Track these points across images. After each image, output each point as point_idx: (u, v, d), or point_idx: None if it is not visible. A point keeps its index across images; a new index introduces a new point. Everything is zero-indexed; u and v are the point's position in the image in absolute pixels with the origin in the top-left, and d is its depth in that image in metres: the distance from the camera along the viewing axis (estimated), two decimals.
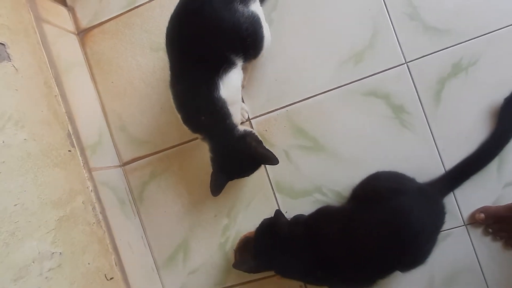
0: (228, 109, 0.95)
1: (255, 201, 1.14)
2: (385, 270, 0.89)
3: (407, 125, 1.06)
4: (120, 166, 1.21)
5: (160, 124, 1.18)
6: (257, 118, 1.14)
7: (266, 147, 0.99)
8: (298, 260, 0.93)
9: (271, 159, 0.96)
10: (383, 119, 1.07)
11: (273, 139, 1.13)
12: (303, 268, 0.94)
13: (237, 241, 1.11)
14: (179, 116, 0.98)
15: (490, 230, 1.00)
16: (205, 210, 1.17)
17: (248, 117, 1.14)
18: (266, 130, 1.13)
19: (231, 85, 0.93)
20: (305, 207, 1.11)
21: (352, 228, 0.88)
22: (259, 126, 1.13)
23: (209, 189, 0.99)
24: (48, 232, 0.83)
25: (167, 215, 1.19)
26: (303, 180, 1.12)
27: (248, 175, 1.04)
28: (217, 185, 0.99)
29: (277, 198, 1.13)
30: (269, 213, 1.12)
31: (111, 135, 1.21)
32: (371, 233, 0.86)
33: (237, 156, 0.97)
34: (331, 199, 1.10)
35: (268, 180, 1.14)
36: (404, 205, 0.85)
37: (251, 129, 1.01)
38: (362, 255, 0.86)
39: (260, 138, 1.02)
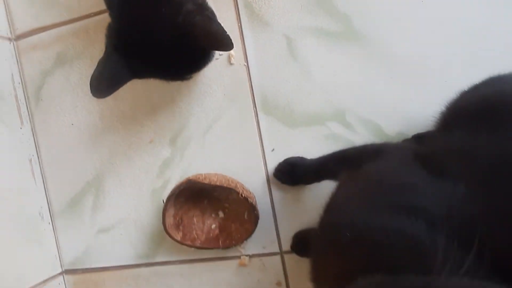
0: None
1: (221, 124, 0.64)
2: None
3: None
4: (9, 38, 0.72)
5: None
6: None
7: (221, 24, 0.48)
8: None
9: (219, 42, 0.45)
10: None
11: (267, 14, 0.61)
12: None
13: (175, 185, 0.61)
14: None
15: None
16: (137, 129, 0.68)
17: None
18: None
19: None
20: (308, 144, 0.60)
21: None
22: None
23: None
24: None
25: (76, 131, 0.71)
26: (313, 95, 0.60)
27: (176, 76, 0.54)
28: (107, 79, 0.50)
29: (259, 122, 0.62)
30: (243, 146, 0.63)
31: None
32: None
33: (153, 26, 0.47)
34: (359, 136, 0.59)
35: (249, 87, 0.63)
36: None
37: None
38: None
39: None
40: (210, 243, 0.60)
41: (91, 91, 0.50)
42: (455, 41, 0.55)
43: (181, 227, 0.60)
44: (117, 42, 0.49)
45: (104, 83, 0.49)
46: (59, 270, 0.72)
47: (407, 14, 0.56)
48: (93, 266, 0.71)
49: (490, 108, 0.35)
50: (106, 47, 0.50)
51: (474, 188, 0.30)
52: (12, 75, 0.71)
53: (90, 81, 0.49)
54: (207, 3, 0.50)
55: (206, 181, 0.55)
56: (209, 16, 0.49)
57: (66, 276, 0.73)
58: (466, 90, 0.42)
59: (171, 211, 0.59)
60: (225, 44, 0.44)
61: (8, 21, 0.72)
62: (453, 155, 0.33)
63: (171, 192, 0.57)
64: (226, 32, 0.45)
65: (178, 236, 0.59)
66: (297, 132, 0.61)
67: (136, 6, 0.47)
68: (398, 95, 0.57)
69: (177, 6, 0.46)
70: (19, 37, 0.72)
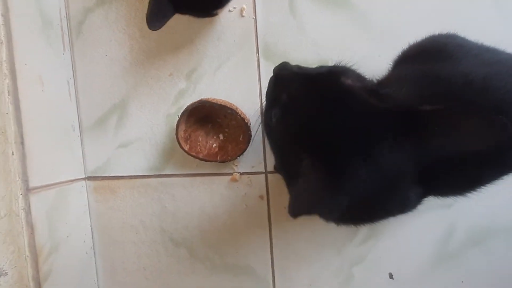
0: None
1: (229, 65, 0.79)
2: None
3: None
4: None
5: None
6: None
7: None
8: None
9: None
10: None
11: None
12: None
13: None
14: None
15: None
16: (159, 64, 0.82)
17: None
18: None
19: None
20: None
21: None
22: None
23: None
24: None
25: (108, 61, 0.85)
26: (305, 47, 0.75)
27: (205, 10, 0.70)
28: (156, 14, 0.65)
29: (260, 66, 0.77)
30: (245, 84, 0.78)
31: None
32: None
33: None
34: None
35: (254, 37, 0.77)
36: None
37: None
38: None
39: None
40: (210, 157, 0.75)
41: (148, 25, 0.65)
42: (427, 11, 0.70)
43: (188, 141, 0.75)
44: None
45: (155, 18, 0.65)
46: (83, 176, 0.88)
47: None
48: (111, 174, 0.87)
49: (421, 50, 0.50)
50: None
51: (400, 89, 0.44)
52: (60, 9, 0.85)
53: (146, 17, 0.64)
54: None
55: (214, 101, 0.70)
56: None
57: (88, 182, 0.88)
58: (413, 43, 0.57)
59: (182, 126, 0.74)
60: None
61: None
62: (389, 79, 0.49)
63: (185, 108, 0.72)
64: None
65: (186, 147, 0.74)
66: None
67: None
68: (371, 53, 0.72)
69: None
70: None
